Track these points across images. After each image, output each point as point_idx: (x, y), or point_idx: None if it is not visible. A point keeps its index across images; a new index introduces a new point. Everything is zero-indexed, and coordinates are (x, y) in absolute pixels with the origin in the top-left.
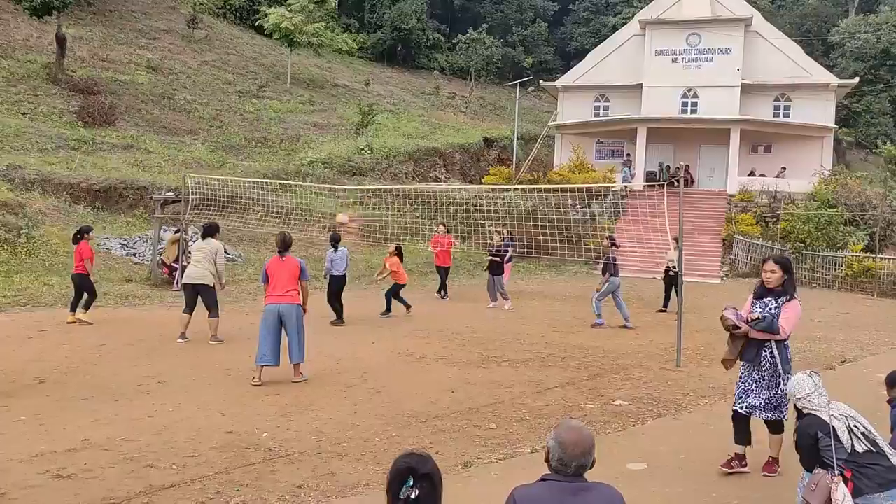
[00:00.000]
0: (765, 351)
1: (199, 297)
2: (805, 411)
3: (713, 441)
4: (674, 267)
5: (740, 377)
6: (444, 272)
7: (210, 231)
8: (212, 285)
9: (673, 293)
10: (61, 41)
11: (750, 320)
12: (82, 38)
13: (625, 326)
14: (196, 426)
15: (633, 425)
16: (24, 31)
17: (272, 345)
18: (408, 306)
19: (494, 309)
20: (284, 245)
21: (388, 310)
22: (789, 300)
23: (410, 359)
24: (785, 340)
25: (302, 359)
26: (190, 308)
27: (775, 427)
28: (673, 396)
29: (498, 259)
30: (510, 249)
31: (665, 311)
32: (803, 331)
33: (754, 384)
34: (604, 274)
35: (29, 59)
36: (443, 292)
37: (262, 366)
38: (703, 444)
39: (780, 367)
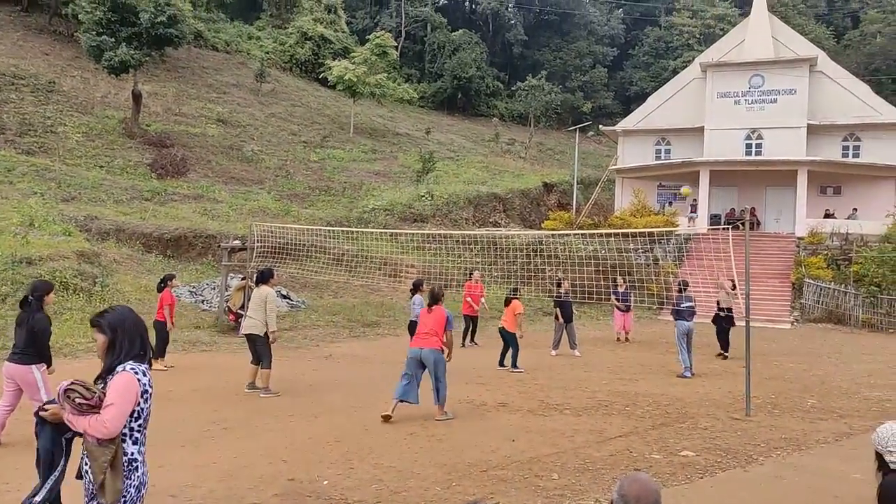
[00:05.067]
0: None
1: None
2: (893, 466)
3: (786, 495)
4: (722, 309)
5: None
6: (474, 321)
7: (262, 278)
8: (262, 335)
9: (728, 336)
10: (137, 97)
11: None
12: (157, 93)
13: (681, 375)
14: (259, 473)
15: (701, 477)
16: (103, 89)
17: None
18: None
19: (557, 356)
20: (434, 299)
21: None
22: (123, 373)
23: (471, 406)
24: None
25: (438, 401)
26: (255, 358)
27: None
28: (743, 447)
29: (565, 305)
30: (630, 297)
31: (726, 355)
32: (883, 379)
33: None
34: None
35: (106, 115)
36: (475, 340)
37: (399, 401)
38: (775, 497)
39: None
